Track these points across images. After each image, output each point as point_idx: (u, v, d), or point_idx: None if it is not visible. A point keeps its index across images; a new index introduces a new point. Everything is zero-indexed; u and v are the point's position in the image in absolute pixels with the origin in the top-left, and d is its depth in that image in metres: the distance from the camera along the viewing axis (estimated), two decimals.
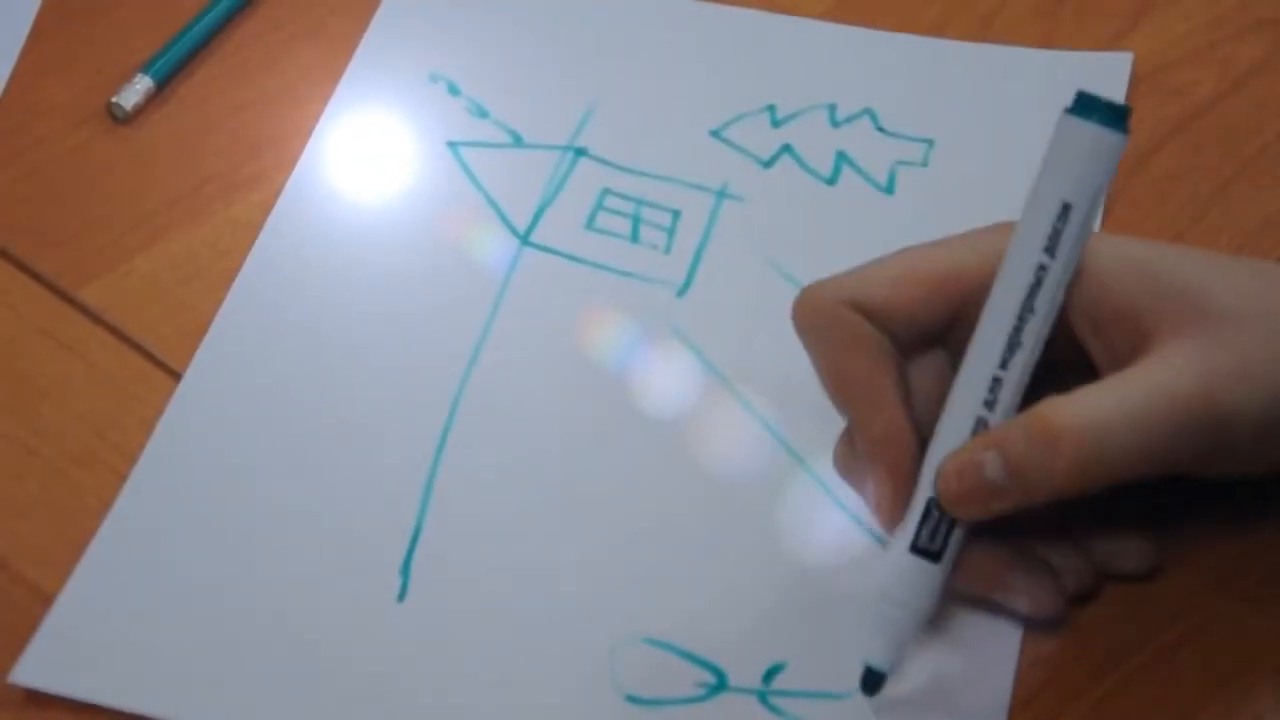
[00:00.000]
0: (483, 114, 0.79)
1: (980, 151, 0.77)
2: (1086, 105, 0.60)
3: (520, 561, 0.66)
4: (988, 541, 0.62)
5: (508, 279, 0.74)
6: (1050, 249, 0.60)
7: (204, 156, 0.79)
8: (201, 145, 0.80)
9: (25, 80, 0.82)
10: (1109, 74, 0.78)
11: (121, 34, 0.84)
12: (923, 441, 0.61)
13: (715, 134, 0.78)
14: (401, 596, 0.65)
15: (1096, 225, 0.69)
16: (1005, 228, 0.61)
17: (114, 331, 0.74)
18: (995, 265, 0.60)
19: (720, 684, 0.63)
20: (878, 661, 0.61)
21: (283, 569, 0.66)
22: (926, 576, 0.61)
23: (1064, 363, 0.61)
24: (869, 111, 0.78)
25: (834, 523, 0.66)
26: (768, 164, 0.77)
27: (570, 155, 0.78)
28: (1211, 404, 0.59)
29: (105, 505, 0.68)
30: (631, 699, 0.63)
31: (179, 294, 0.75)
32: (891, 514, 0.61)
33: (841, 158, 0.77)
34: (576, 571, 0.66)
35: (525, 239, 0.75)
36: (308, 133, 0.79)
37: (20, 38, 0.84)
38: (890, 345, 0.62)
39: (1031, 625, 0.63)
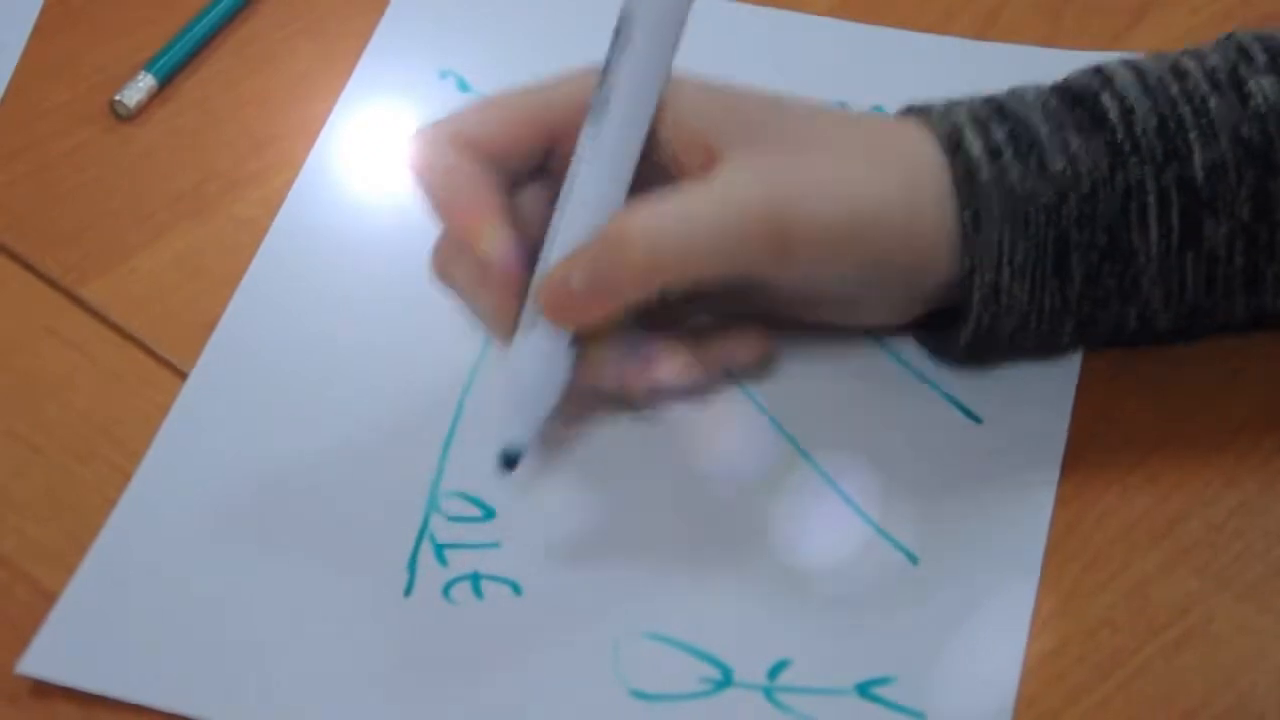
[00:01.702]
0: None
1: None
2: None
3: (525, 557, 0.66)
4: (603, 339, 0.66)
5: None
6: (612, 60, 0.64)
7: (207, 154, 0.79)
8: (204, 143, 0.80)
9: (28, 78, 0.82)
10: None
11: (124, 32, 0.84)
12: (531, 258, 0.66)
13: None
14: (408, 591, 0.65)
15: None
16: (594, 67, 0.65)
17: (117, 329, 0.74)
18: (581, 98, 0.65)
19: (726, 680, 0.63)
20: (514, 443, 0.65)
21: (287, 564, 0.66)
22: (551, 361, 0.65)
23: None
24: (876, 108, 0.78)
25: (839, 518, 0.67)
26: None
27: None
28: (774, 208, 0.63)
29: (109, 503, 0.68)
30: (637, 694, 0.63)
31: (182, 292, 0.75)
32: (505, 325, 0.66)
33: None
34: (581, 567, 0.66)
35: None
36: (312, 130, 0.79)
37: (23, 36, 0.84)
38: (494, 175, 0.66)
39: (621, 406, 0.68)
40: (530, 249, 0.66)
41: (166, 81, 0.82)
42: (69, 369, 0.72)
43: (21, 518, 0.68)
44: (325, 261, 0.75)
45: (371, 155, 0.79)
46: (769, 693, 0.63)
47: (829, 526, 0.66)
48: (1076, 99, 0.66)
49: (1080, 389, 0.69)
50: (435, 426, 0.69)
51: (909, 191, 0.65)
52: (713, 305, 0.69)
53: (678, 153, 0.65)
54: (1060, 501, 0.66)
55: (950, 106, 0.67)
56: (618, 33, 0.64)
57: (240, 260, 0.75)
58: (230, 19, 0.84)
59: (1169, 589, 0.64)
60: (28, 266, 0.76)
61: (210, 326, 0.73)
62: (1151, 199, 0.65)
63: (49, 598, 0.65)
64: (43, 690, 0.63)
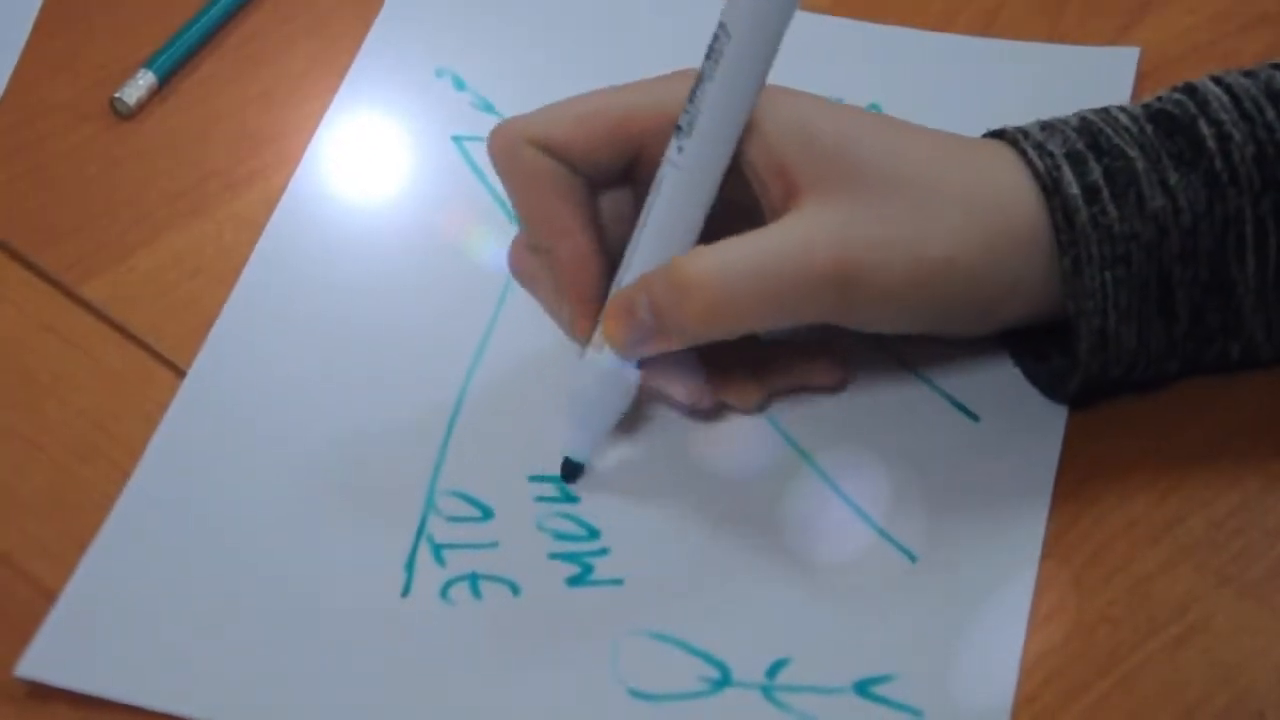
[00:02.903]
0: (488, 108, 0.79)
1: None
2: None
3: (523, 556, 0.66)
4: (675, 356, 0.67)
5: None
6: (701, 83, 0.63)
7: (207, 152, 0.79)
8: (204, 141, 0.80)
9: (28, 76, 0.82)
10: (1115, 69, 0.78)
11: (124, 30, 0.84)
12: (613, 266, 0.66)
13: None
14: (406, 592, 0.65)
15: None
16: (686, 73, 0.64)
17: (117, 327, 0.74)
18: (665, 109, 0.64)
19: (724, 679, 0.63)
20: (577, 453, 0.67)
21: (286, 564, 0.66)
22: (618, 378, 0.66)
23: (747, 217, 0.65)
24: (874, 106, 0.78)
25: (839, 517, 0.66)
26: None
27: None
28: (841, 264, 0.63)
29: (109, 500, 0.68)
30: (635, 693, 0.63)
31: (182, 290, 0.75)
32: (582, 330, 0.66)
33: None
34: (580, 566, 0.66)
35: None
36: (311, 128, 0.79)
37: (23, 34, 0.84)
38: (577, 179, 0.66)
39: (684, 411, 0.69)
40: (611, 256, 0.66)
41: (166, 79, 0.82)
42: (68, 367, 0.73)
43: (21, 515, 0.68)
44: (322, 259, 0.75)
45: (368, 153, 0.79)
46: (768, 691, 0.63)
47: (827, 525, 0.66)
48: (1173, 126, 0.65)
49: None
50: (433, 426, 0.69)
51: (991, 237, 0.64)
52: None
53: (760, 173, 0.64)
54: (1058, 499, 0.66)
55: (1046, 136, 0.65)
56: (713, 45, 0.63)
57: (240, 259, 0.75)
58: (230, 17, 0.84)
59: (1169, 586, 0.64)
60: (27, 264, 0.76)
61: (209, 324, 0.73)
62: (1249, 229, 0.64)
63: (49, 595, 0.65)
64: (42, 691, 0.63)
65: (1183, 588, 0.64)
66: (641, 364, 0.66)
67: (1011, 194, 0.65)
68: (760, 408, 0.69)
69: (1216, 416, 0.68)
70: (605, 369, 0.66)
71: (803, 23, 0.82)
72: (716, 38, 0.63)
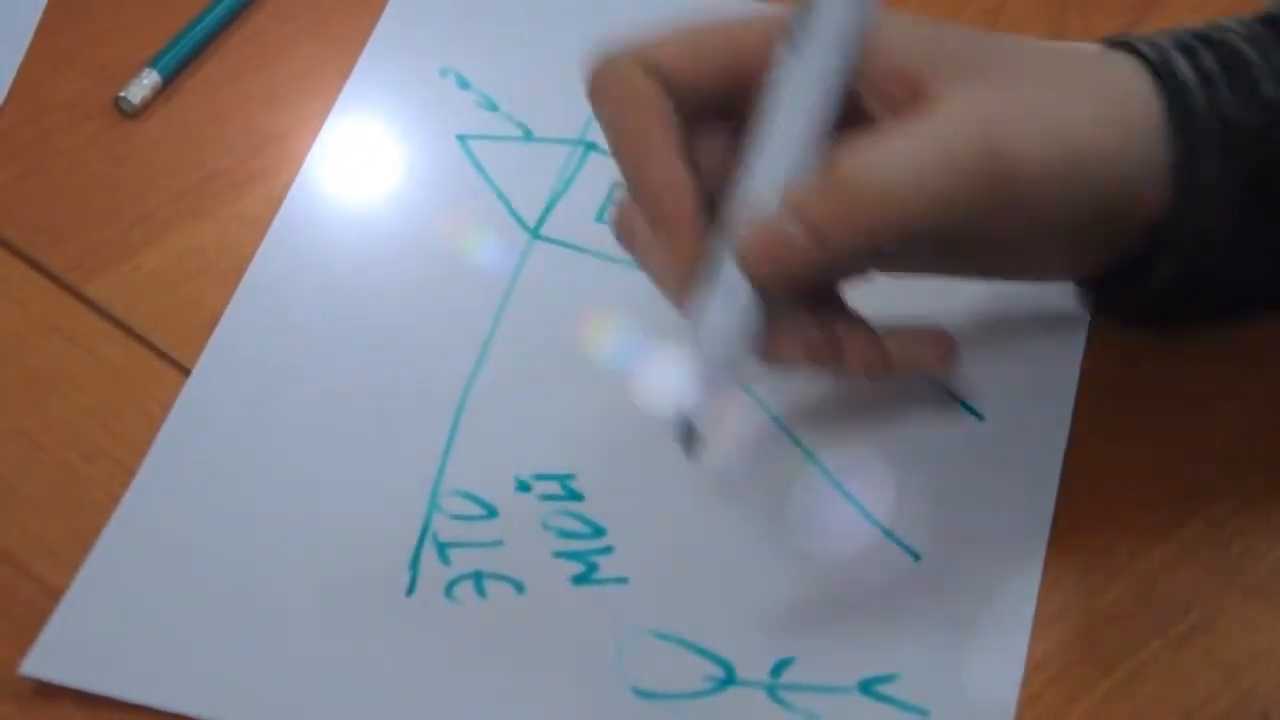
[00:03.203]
0: (493, 107, 0.79)
1: None
2: None
3: (528, 555, 0.66)
4: (787, 311, 0.63)
5: (518, 273, 0.74)
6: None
7: (211, 151, 0.79)
8: (208, 140, 0.80)
9: (32, 75, 0.82)
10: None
11: (128, 29, 0.84)
12: (710, 206, 0.61)
13: None
14: (410, 591, 0.65)
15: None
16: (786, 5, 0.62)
17: (121, 326, 0.74)
18: (774, 29, 0.61)
19: (729, 678, 0.63)
20: (694, 411, 0.61)
21: (291, 563, 0.66)
22: (736, 333, 0.61)
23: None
24: None
25: (843, 516, 0.66)
26: None
27: (580, 149, 0.78)
28: (992, 146, 0.60)
29: (113, 500, 0.68)
30: (639, 692, 0.63)
31: (186, 289, 0.75)
32: (682, 281, 0.61)
33: None
34: (584, 565, 0.66)
35: (535, 232, 0.75)
36: (316, 127, 0.79)
37: (28, 33, 0.84)
38: (672, 108, 0.62)
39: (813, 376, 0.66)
40: (708, 195, 0.62)
41: (171, 78, 0.81)
42: (72, 366, 0.73)
43: (26, 514, 0.68)
44: (326, 258, 0.75)
45: (372, 153, 0.79)
46: (772, 690, 0.63)
47: (832, 524, 0.66)
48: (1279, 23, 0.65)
49: (1082, 385, 0.69)
50: (437, 424, 0.69)
51: (1123, 126, 0.63)
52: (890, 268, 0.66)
53: (881, 85, 0.61)
54: (1063, 498, 0.66)
55: (1156, 35, 0.65)
56: None
57: (245, 258, 0.75)
58: (234, 16, 0.84)
59: (1173, 586, 0.64)
60: (31, 263, 0.76)
61: (213, 323, 0.73)
62: None
63: (53, 594, 0.65)
64: (47, 690, 0.63)
65: (1187, 587, 0.64)
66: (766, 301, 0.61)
67: (1132, 83, 0.63)
68: (880, 375, 0.65)
69: (1220, 416, 0.68)
70: (726, 312, 0.61)
71: None
72: None
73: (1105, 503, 0.66)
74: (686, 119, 0.63)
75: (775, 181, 0.61)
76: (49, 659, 0.64)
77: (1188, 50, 0.64)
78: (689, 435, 0.62)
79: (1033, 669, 0.63)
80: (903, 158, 0.59)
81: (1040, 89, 0.62)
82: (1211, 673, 0.62)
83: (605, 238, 0.74)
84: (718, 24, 0.63)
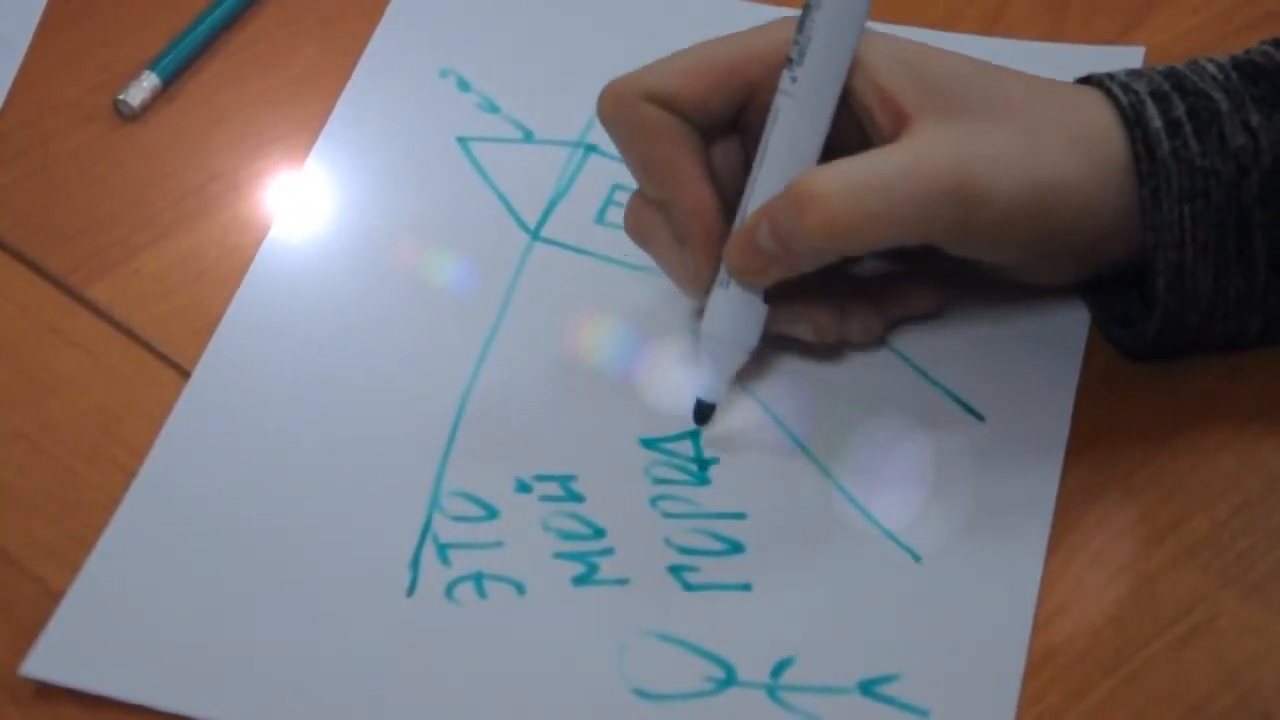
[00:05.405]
0: (493, 109, 0.79)
1: None
2: None
3: (529, 556, 0.66)
4: (794, 289, 0.68)
5: (518, 274, 0.74)
6: (810, 11, 0.65)
7: (211, 154, 0.79)
8: (208, 142, 0.80)
9: (32, 78, 0.82)
10: (1120, 67, 0.78)
11: (128, 31, 0.84)
12: (730, 215, 0.67)
13: None
14: (411, 591, 0.65)
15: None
16: (787, 20, 0.66)
17: (121, 328, 0.74)
18: (772, 51, 0.66)
19: (729, 678, 0.63)
20: (708, 394, 0.68)
21: (291, 564, 0.66)
22: (747, 315, 0.67)
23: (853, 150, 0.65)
24: None
25: (844, 517, 0.66)
26: None
27: (581, 151, 0.78)
28: (961, 180, 0.63)
29: (113, 502, 0.68)
30: (640, 693, 0.63)
31: (186, 291, 0.75)
32: (701, 280, 0.67)
33: None
34: (585, 566, 0.66)
35: (535, 234, 0.75)
36: (316, 129, 0.79)
37: (27, 35, 0.84)
38: (690, 130, 0.67)
39: (810, 350, 0.70)
40: (727, 205, 0.67)
41: (170, 81, 0.82)
42: (73, 368, 0.73)
43: (26, 516, 0.68)
44: (327, 260, 0.75)
45: (372, 154, 0.79)
46: (772, 691, 0.63)
47: (832, 524, 0.66)
48: (1258, 73, 0.66)
49: (1082, 385, 0.69)
50: (437, 425, 0.69)
51: (1093, 167, 0.65)
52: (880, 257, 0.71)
53: (870, 108, 0.66)
54: (1063, 498, 0.66)
55: (1131, 78, 0.67)
56: None
57: (244, 260, 0.75)
58: (233, 19, 0.84)
59: (1173, 586, 0.64)
60: (32, 266, 0.76)
61: (213, 326, 0.73)
62: None
63: (54, 596, 0.66)
64: (47, 690, 0.63)
65: (1187, 588, 0.64)
66: (768, 301, 0.67)
67: (1102, 128, 0.66)
68: (881, 339, 0.70)
69: (1220, 416, 0.68)
70: (734, 304, 0.67)
71: None
72: None
73: (1105, 503, 0.66)
74: (701, 133, 0.67)
75: (768, 196, 0.65)
76: (49, 660, 0.64)
77: (1161, 97, 0.66)
78: (702, 413, 0.68)
79: (1033, 669, 0.63)
80: (868, 179, 0.63)
81: (1012, 127, 0.65)
82: (1212, 673, 0.62)
83: (605, 239, 0.75)
84: (719, 50, 0.68)
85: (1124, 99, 0.66)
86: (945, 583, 0.65)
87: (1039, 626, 0.63)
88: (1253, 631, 0.63)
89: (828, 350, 0.70)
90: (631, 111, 0.67)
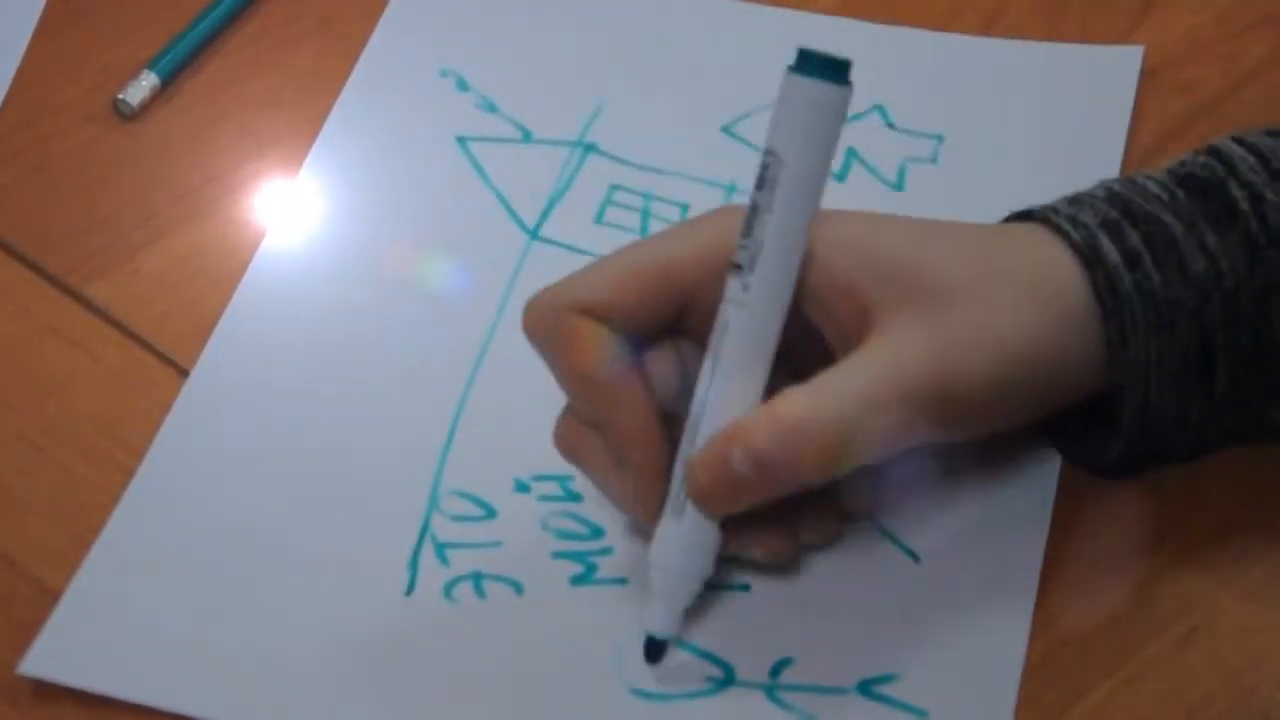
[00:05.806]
0: (492, 109, 0.79)
1: (990, 146, 0.77)
2: (806, 61, 0.60)
3: (527, 555, 0.66)
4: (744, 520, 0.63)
5: (517, 274, 0.74)
6: (758, 214, 0.60)
7: (210, 153, 0.79)
8: (207, 142, 0.80)
9: (31, 77, 0.82)
10: (1119, 68, 0.78)
11: (127, 31, 0.84)
12: (670, 430, 0.62)
13: (726, 130, 0.78)
14: (409, 591, 0.65)
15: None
16: (725, 212, 0.62)
17: (120, 328, 0.74)
18: (709, 253, 0.61)
19: (728, 678, 0.63)
20: (662, 629, 0.62)
21: (289, 564, 0.66)
22: (701, 542, 0.62)
23: (804, 344, 0.62)
24: (878, 107, 0.78)
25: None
26: None
27: (580, 151, 0.78)
28: (941, 379, 0.60)
29: (112, 501, 0.68)
30: (638, 693, 0.63)
31: (185, 290, 0.75)
32: (648, 506, 0.63)
33: (851, 154, 0.77)
34: (583, 565, 0.66)
35: (534, 234, 0.75)
36: (315, 129, 0.79)
37: (26, 35, 0.84)
38: (623, 343, 0.62)
39: (762, 569, 0.65)
40: (666, 417, 0.63)
41: (170, 80, 0.82)
42: (72, 368, 0.73)
43: (25, 515, 0.68)
44: (326, 260, 0.75)
45: (371, 154, 0.79)
46: (771, 691, 0.62)
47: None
48: (1203, 189, 0.63)
49: None
50: (436, 425, 0.69)
51: (1057, 318, 0.62)
52: None
53: (828, 303, 0.62)
54: (1062, 499, 0.66)
55: (1075, 209, 0.64)
56: (764, 174, 0.60)
57: (244, 260, 0.75)
58: (233, 18, 0.84)
59: (1172, 588, 0.64)
60: (31, 266, 0.76)
61: (212, 325, 0.73)
62: None
63: (53, 596, 0.65)
64: (45, 690, 0.63)
65: (1186, 589, 0.64)
66: (723, 525, 0.62)
67: (1057, 272, 0.62)
68: (839, 537, 0.66)
69: None
70: (689, 535, 0.62)
71: (806, 24, 0.82)
72: (766, 165, 0.60)
73: (1105, 504, 0.66)
74: (636, 342, 0.63)
75: (729, 415, 0.61)
76: (48, 659, 0.64)
77: (1112, 228, 0.63)
78: (653, 650, 0.62)
79: (1032, 670, 0.62)
80: (853, 398, 0.60)
81: (974, 302, 0.61)
82: (1212, 674, 0.62)
83: (604, 239, 0.75)
84: (652, 254, 0.63)
85: (1075, 235, 0.63)
86: (944, 583, 0.65)
87: (1038, 627, 0.63)
88: (1252, 633, 0.63)
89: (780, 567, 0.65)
90: (560, 326, 0.62)
